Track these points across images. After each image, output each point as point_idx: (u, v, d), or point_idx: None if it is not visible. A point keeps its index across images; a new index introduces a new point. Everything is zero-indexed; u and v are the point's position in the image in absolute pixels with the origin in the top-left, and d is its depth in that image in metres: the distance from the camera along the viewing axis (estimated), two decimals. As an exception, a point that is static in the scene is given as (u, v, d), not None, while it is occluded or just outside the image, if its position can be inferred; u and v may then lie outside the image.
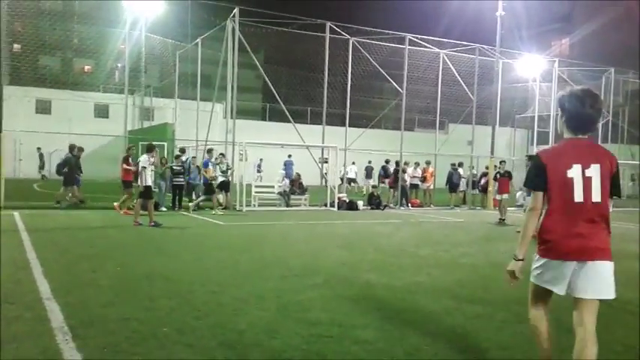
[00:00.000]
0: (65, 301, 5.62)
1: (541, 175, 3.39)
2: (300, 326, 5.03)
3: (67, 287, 6.26)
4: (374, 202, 19.68)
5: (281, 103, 20.45)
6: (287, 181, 19.71)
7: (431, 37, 22.91)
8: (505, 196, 15.97)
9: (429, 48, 22.84)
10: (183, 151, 18.58)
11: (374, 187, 20.70)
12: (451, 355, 4.47)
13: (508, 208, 16.56)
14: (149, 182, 12.58)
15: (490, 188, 21.97)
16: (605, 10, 40.71)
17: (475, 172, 23.10)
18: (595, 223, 3.47)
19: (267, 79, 20.49)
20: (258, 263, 8.26)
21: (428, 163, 22.49)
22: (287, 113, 20.56)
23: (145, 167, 12.49)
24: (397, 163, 21.24)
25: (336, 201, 18.72)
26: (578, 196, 3.37)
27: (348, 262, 8.61)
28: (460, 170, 22.33)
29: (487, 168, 22.61)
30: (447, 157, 23.51)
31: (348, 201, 19.16)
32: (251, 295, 6.17)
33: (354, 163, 27.57)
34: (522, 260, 3.57)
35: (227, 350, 4.33)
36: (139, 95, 33.06)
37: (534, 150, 27.14)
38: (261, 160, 28.73)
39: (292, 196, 19.06)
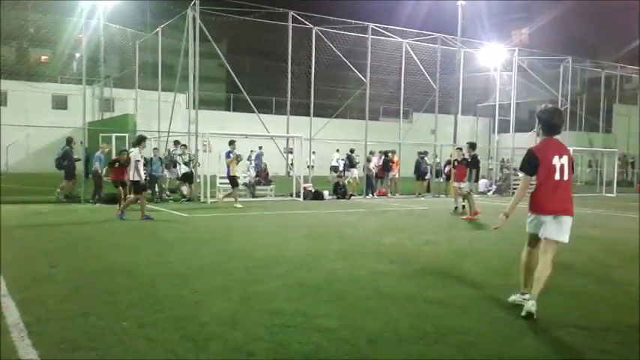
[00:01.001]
0: (21, 297, 5.47)
1: (534, 164, 5.25)
2: (263, 317, 5.02)
3: (23, 283, 6.09)
4: (339, 191, 19.75)
5: (245, 94, 20.26)
6: (252, 171, 19.59)
7: (394, 27, 23.02)
8: (463, 184, 14.65)
9: (392, 37, 22.96)
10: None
11: (339, 176, 20.76)
12: (412, 340, 4.52)
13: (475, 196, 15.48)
14: (142, 176, 12.33)
15: (453, 176, 22.36)
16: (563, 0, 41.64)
17: (439, 161, 23.42)
18: (565, 192, 5.36)
19: (230, 68, 20.25)
20: (222, 255, 8.20)
21: (393, 152, 22.69)
22: (251, 103, 20.39)
23: (138, 160, 12.19)
24: (386, 154, 21.46)
25: (302, 191, 18.71)
26: (557, 176, 5.25)
27: (312, 252, 8.62)
28: (425, 159, 22.63)
29: (451, 156, 22.96)
30: (411, 147, 23.76)
31: (313, 191, 19.18)
32: (214, 287, 6.12)
33: (338, 150, 27.54)
34: (507, 216, 5.39)
35: (188, 343, 4.29)
36: (98, 86, 32.29)
37: (496, 138, 27.69)
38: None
39: (258, 187, 18.97)
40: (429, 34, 23.53)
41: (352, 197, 19.86)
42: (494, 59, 27.69)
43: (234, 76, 20.05)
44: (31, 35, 32.27)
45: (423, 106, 25.66)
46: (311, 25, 20.81)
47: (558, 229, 5.32)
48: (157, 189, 17.50)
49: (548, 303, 5.82)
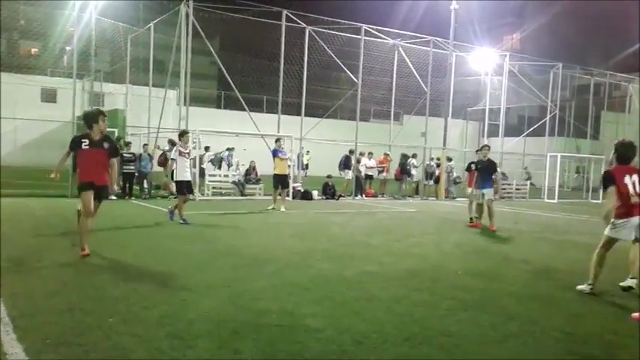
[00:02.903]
0: (7, 291, 5.44)
1: (611, 181, 6.40)
2: (251, 316, 5.03)
3: (9, 278, 6.05)
4: (329, 191, 19.78)
5: (236, 91, 20.23)
6: (241, 170, 19.58)
7: (387, 29, 23.10)
8: (477, 191, 12.97)
9: (385, 39, 23.04)
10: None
11: (329, 177, 20.79)
12: (398, 341, 4.56)
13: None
14: (185, 176, 11.59)
15: (442, 179, 22.48)
16: (554, 6, 41.96)
17: (430, 163, 23.56)
18: (635, 203, 6.34)
19: (221, 66, 20.21)
20: (210, 253, 8.20)
21: (386, 154, 22.84)
22: (242, 101, 20.37)
23: (174, 159, 11.51)
24: (405, 157, 21.51)
25: (291, 190, 18.72)
26: (630, 192, 6.37)
27: (300, 251, 8.64)
28: (414, 161, 22.76)
29: (439, 159, 23.10)
30: (401, 148, 23.86)
31: (302, 190, 19.20)
32: (201, 285, 6.13)
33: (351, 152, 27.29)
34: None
35: (174, 340, 4.29)
36: (88, 80, 31.99)
37: (485, 141, 27.85)
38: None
39: (247, 186, 18.95)
40: (422, 37, 23.64)
41: (341, 198, 19.90)
42: (486, 63, 27.87)
43: (225, 73, 20.01)
44: (22, 27, 31.97)
45: (413, 108, 25.78)
46: (304, 25, 20.83)
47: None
48: (145, 185, 17.44)
49: (532, 307, 5.89)
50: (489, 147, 13.39)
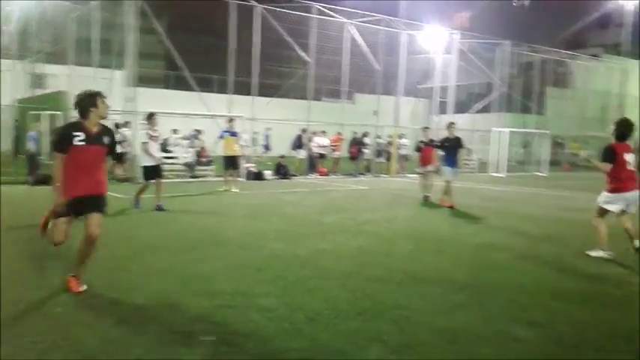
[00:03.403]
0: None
1: (613, 156, 7.08)
2: (202, 298, 5.01)
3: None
4: (281, 171, 19.74)
5: (185, 71, 19.78)
6: (192, 151, 19.27)
7: (338, 7, 22.97)
8: (430, 168, 13.54)
9: (337, 18, 22.94)
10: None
11: (281, 156, 20.72)
12: (350, 316, 4.64)
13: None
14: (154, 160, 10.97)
15: (394, 157, 22.79)
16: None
17: (381, 141, 23.78)
18: (633, 176, 7.13)
19: (169, 45, 19.69)
20: (161, 237, 8.07)
21: (339, 133, 22.94)
22: (191, 81, 19.94)
23: (146, 143, 10.87)
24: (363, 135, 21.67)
25: (244, 171, 18.57)
26: (627, 165, 7.10)
27: (253, 232, 8.62)
28: (366, 139, 22.95)
29: (391, 137, 23.37)
30: (354, 127, 23.96)
31: (255, 171, 19.08)
32: (151, 269, 6.04)
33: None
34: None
35: (124, 326, 4.23)
36: (29, 61, 30.61)
37: (434, 119, 28.31)
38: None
39: (198, 167, 18.67)
40: (373, 16, 23.65)
41: (294, 177, 19.90)
42: (436, 42, 28.16)
43: (174, 52, 19.51)
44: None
45: (365, 87, 25.87)
46: (255, 3, 20.47)
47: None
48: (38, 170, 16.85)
49: (481, 278, 6.09)
50: (455, 124, 13.21)
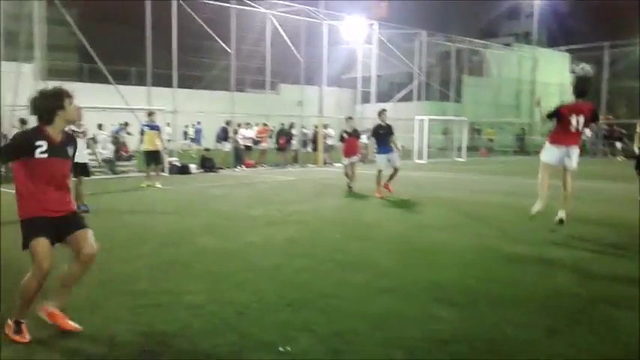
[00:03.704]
0: None
1: (558, 116, 7.53)
2: (126, 298, 4.85)
3: None
4: (207, 164, 19.40)
5: (100, 63, 18.91)
6: (111, 146, 18.53)
7: (259, -3, 22.77)
8: (355, 159, 13.72)
9: (257, 8, 22.72)
10: None
11: (206, 149, 20.36)
12: (279, 308, 4.64)
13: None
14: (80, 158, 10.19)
15: (320, 147, 22.96)
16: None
17: (307, 132, 23.88)
18: (576, 134, 7.59)
19: (81, 36, 18.74)
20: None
21: (265, 124, 22.81)
22: (107, 74, 19.10)
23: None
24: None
25: (167, 165, 18.10)
26: (570, 127, 7.49)
27: (179, 227, 8.43)
28: (293, 130, 22.98)
29: (316, 127, 23.53)
30: (279, 118, 23.92)
31: (179, 165, 18.64)
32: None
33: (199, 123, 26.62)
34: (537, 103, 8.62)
35: (42, 330, 4.01)
36: None
37: (358, 108, 28.76)
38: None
39: (118, 163, 17.99)
40: (294, 6, 23.61)
41: (220, 170, 19.62)
42: (356, 32, 28.51)
43: (86, 44, 18.59)
44: None
45: (289, 77, 25.84)
46: (170, -7, 19.87)
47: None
48: (2, 168, 15.90)
49: (405, 262, 6.28)
50: (386, 110, 13.01)
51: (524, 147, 33.57)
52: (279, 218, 9.44)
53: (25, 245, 4.04)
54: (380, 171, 12.31)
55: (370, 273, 5.77)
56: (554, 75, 37.49)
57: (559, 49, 39.73)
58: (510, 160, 28.22)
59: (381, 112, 12.69)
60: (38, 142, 3.90)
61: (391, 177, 12.35)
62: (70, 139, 4.25)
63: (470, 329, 4.20)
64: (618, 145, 29.71)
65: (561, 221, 7.55)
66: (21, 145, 3.95)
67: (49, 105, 3.98)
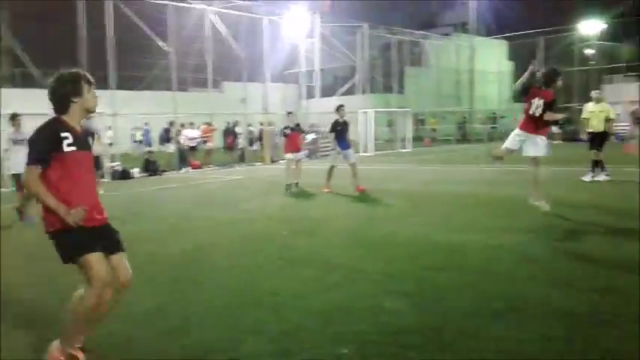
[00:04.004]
0: None
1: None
2: (66, 312, 4.60)
3: None
4: (151, 168, 18.88)
5: (28, 66, 18.09)
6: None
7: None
8: (301, 154, 13.45)
9: (193, 5, 22.28)
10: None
11: (150, 152, 19.83)
12: (227, 310, 4.54)
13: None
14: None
15: (266, 144, 22.78)
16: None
17: (253, 130, 23.62)
18: (536, 121, 8.04)
19: (10, 39, 17.86)
20: (15, 250, 7.33)
21: (209, 123, 22.41)
22: (40, 78, 18.30)
23: (7, 150, 9.75)
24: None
25: (109, 170, 17.51)
26: (530, 109, 7.99)
27: (123, 235, 8.09)
28: (237, 129, 22.69)
29: (262, 124, 23.32)
30: (223, 116, 23.56)
31: (121, 169, 18.06)
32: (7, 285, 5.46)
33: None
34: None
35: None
36: None
37: (303, 103, 28.73)
38: None
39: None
40: (234, 2, 23.29)
41: (165, 173, 19.15)
42: (298, 26, 28.43)
43: (13, 45, 17.73)
44: None
45: (232, 74, 25.50)
46: (103, -9, 19.20)
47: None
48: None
49: (355, 256, 6.27)
50: (344, 106, 12.64)
51: (465, 135, 34.38)
52: (227, 218, 9.28)
53: (71, 259, 3.57)
54: (332, 167, 12.20)
55: (319, 268, 5.73)
56: (492, 63, 38.56)
57: (496, 38, 40.86)
58: (453, 148, 28.84)
59: (339, 108, 12.41)
60: (63, 134, 3.39)
61: (354, 175, 11.98)
62: (88, 129, 3.74)
63: (419, 319, 4.21)
64: (554, 129, 30.89)
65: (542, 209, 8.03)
66: (50, 138, 3.37)
67: (64, 91, 3.49)
